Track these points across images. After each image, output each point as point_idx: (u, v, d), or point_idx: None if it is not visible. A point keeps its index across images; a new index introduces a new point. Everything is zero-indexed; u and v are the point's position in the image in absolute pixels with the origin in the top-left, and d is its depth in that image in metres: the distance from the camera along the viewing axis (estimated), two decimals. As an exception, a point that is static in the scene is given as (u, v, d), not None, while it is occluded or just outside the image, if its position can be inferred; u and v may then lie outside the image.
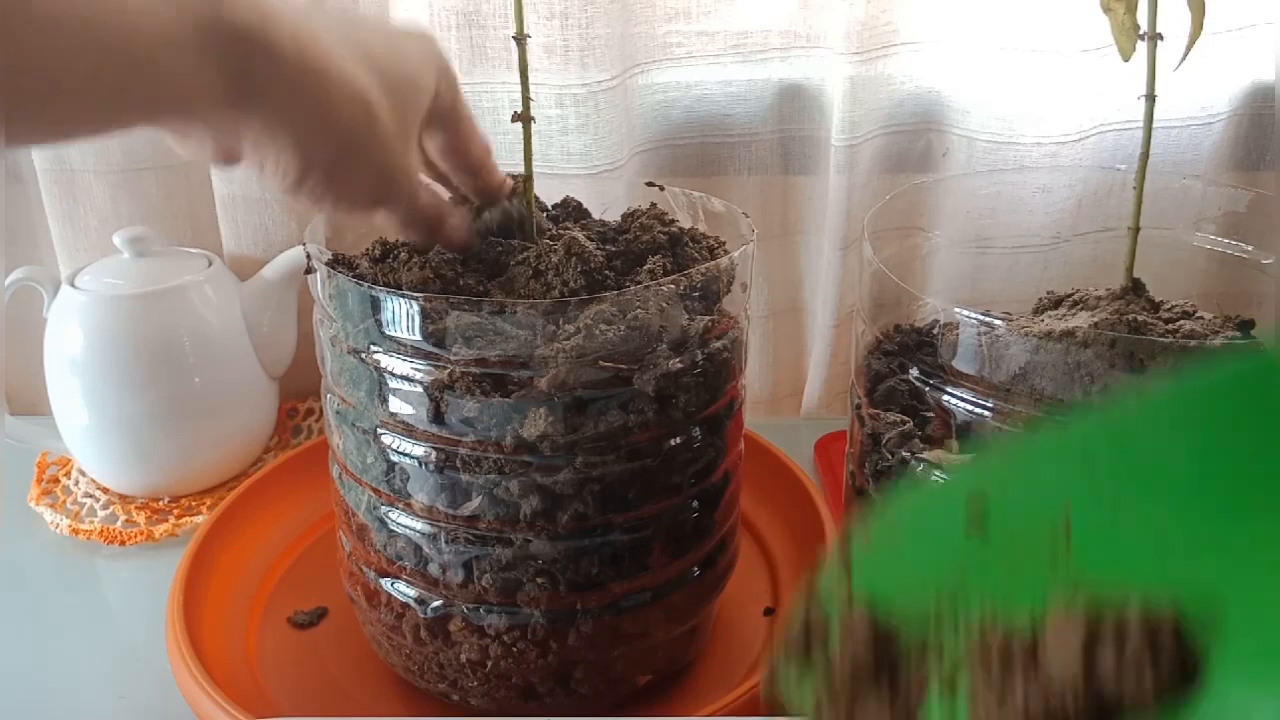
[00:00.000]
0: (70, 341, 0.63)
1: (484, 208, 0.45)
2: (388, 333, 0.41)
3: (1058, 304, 0.47)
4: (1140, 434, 0.26)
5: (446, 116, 0.41)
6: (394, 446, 0.43)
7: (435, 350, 0.40)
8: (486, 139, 0.44)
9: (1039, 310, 0.48)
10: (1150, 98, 0.43)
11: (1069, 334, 0.39)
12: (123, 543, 0.63)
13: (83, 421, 0.64)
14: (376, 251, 0.45)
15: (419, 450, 0.42)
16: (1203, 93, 0.68)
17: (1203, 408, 0.25)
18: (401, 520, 0.44)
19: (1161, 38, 0.42)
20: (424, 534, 0.44)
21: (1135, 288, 0.46)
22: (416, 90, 0.39)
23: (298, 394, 0.76)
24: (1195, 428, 0.25)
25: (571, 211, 0.51)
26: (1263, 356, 0.26)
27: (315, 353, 0.47)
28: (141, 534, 0.63)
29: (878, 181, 0.71)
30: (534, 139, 0.45)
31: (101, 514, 0.65)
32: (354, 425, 0.45)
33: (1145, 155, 0.44)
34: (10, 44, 0.26)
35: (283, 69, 0.33)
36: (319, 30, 0.34)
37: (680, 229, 0.47)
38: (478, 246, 0.44)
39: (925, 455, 0.43)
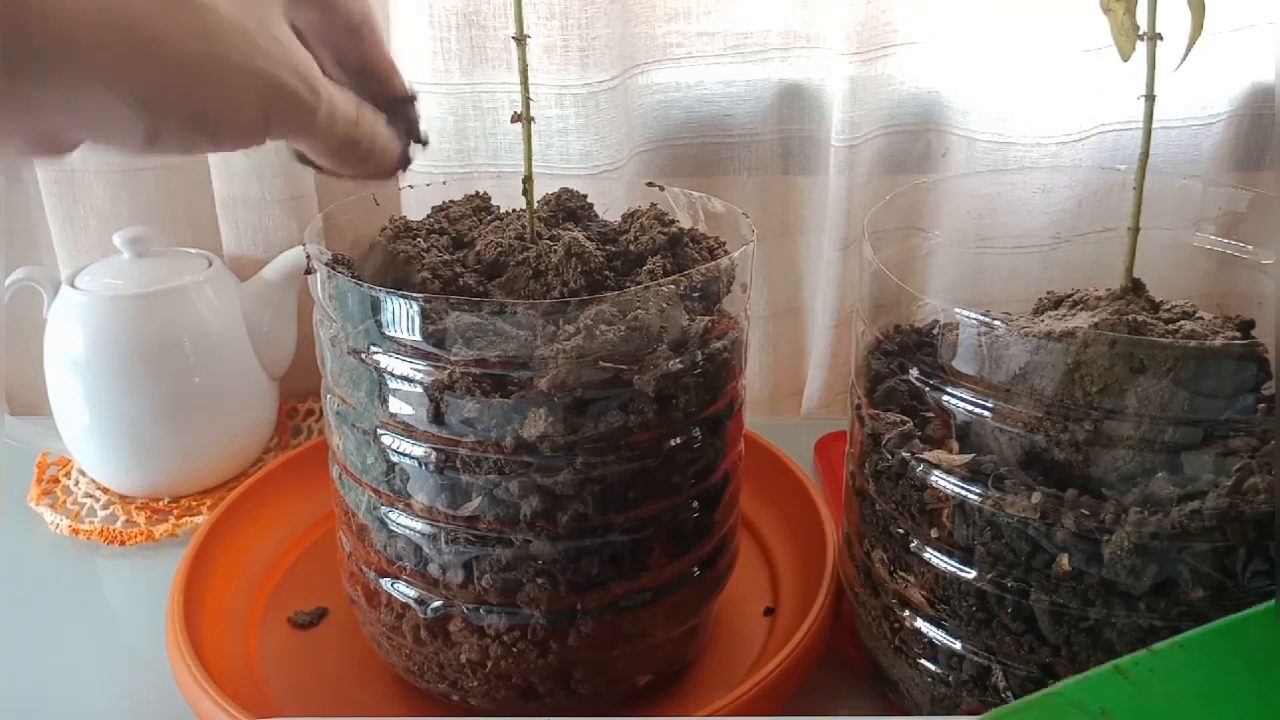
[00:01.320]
0: (70, 342, 0.63)
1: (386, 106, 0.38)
2: (388, 333, 0.41)
3: (1058, 304, 0.47)
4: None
5: None
6: (394, 447, 0.43)
7: (435, 351, 0.40)
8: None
9: (1039, 310, 0.48)
10: (1150, 98, 0.43)
11: (1069, 334, 0.39)
12: (123, 543, 0.63)
13: (83, 421, 0.64)
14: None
15: (419, 451, 0.42)
16: (1203, 93, 0.68)
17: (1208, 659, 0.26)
18: (401, 521, 0.44)
19: (1161, 38, 0.42)
20: (424, 534, 0.44)
21: (1135, 288, 0.46)
22: None
23: (298, 394, 0.76)
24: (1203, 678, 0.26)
25: (574, 210, 0.51)
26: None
27: (315, 353, 0.47)
28: (141, 534, 0.63)
29: (878, 182, 0.71)
30: (534, 139, 0.45)
31: (101, 514, 0.65)
32: (354, 426, 0.45)
33: (1145, 155, 0.44)
34: None
35: (64, 4, 0.25)
36: None
37: (680, 229, 0.47)
38: (404, 167, 0.39)
39: (925, 455, 0.43)
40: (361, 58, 0.37)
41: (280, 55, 0.30)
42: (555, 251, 0.42)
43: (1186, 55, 0.42)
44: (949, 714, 0.45)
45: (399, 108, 0.39)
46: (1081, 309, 0.45)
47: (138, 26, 0.26)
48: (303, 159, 0.37)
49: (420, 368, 0.41)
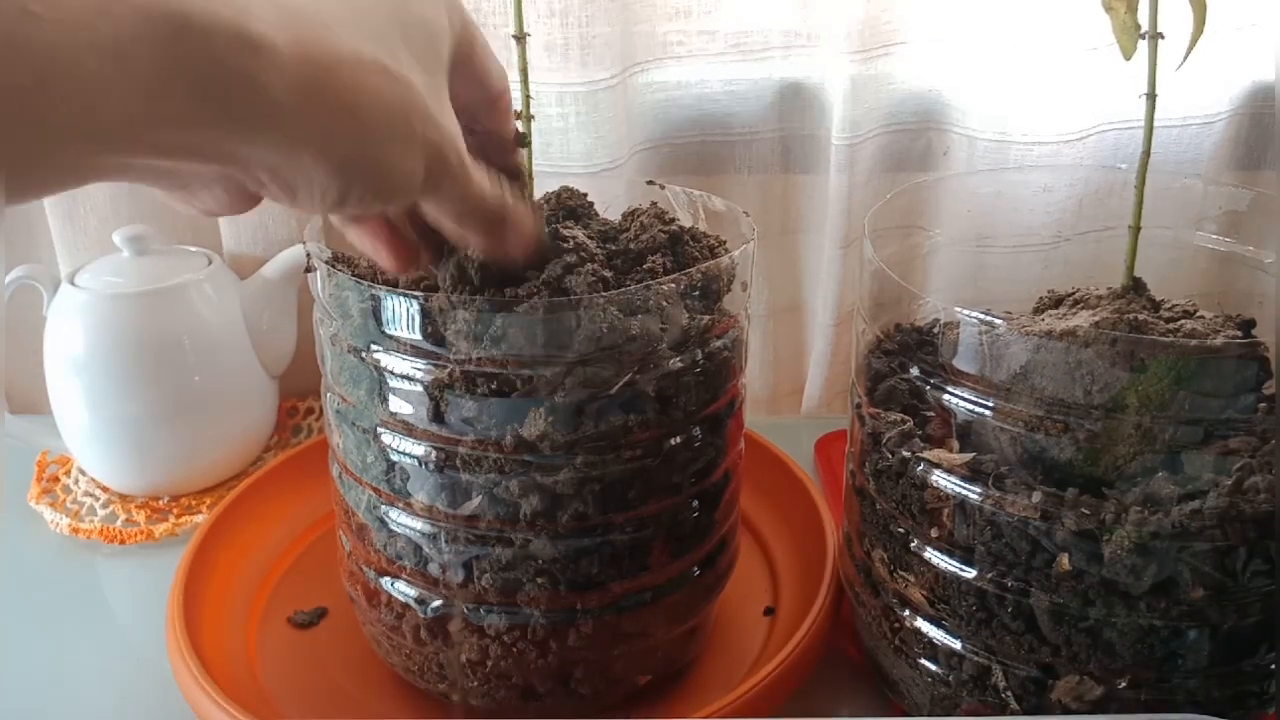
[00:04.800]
0: (70, 340, 0.63)
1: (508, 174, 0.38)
2: (388, 332, 0.41)
3: (1058, 303, 0.47)
4: None
5: (462, 46, 0.34)
6: (394, 446, 0.43)
7: (435, 349, 0.40)
8: (501, 67, 0.37)
9: (1039, 309, 0.48)
10: (1151, 97, 0.43)
11: (1070, 333, 0.39)
12: (123, 542, 0.63)
13: (83, 421, 0.64)
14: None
15: (419, 449, 0.42)
16: (1203, 92, 0.68)
17: None
18: (401, 520, 0.44)
19: (1163, 37, 0.42)
20: (424, 533, 0.44)
21: (1136, 287, 0.46)
22: (434, 33, 0.32)
23: (298, 393, 0.76)
24: None
25: (574, 209, 0.51)
26: None
27: (315, 352, 0.47)
28: (141, 533, 0.63)
29: (878, 180, 0.71)
30: (534, 137, 0.45)
31: (101, 513, 0.65)
32: (354, 424, 0.45)
33: (1146, 154, 0.44)
34: None
35: (280, 70, 0.25)
36: (302, 4, 0.27)
37: (680, 228, 0.47)
38: (543, 246, 0.39)
39: (926, 454, 0.43)
40: (494, 127, 0.38)
41: (447, 126, 0.32)
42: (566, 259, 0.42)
43: (1188, 54, 0.42)
44: (949, 714, 0.45)
45: (515, 178, 0.39)
46: (1082, 308, 0.45)
47: (345, 95, 0.27)
48: (459, 278, 0.38)
49: (420, 366, 0.41)
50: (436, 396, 0.41)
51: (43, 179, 0.24)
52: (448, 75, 0.34)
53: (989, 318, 0.40)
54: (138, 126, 0.24)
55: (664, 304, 0.41)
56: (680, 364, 0.42)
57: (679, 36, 0.69)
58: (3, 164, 0.22)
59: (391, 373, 0.42)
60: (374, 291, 0.41)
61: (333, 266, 0.43)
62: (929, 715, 0.46)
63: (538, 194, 0.49)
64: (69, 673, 0.53)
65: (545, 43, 0.65)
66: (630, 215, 0.49)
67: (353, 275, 0.42)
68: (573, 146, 0.68)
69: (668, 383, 0.42)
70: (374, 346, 0.42)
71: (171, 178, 0.28)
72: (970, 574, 0.41)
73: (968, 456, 0.41)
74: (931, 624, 0.44)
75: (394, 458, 0.43)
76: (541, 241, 0.40)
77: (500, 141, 0.39)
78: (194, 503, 0.66)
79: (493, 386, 0.40)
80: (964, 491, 0.41)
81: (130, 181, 0.27)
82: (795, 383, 0.82)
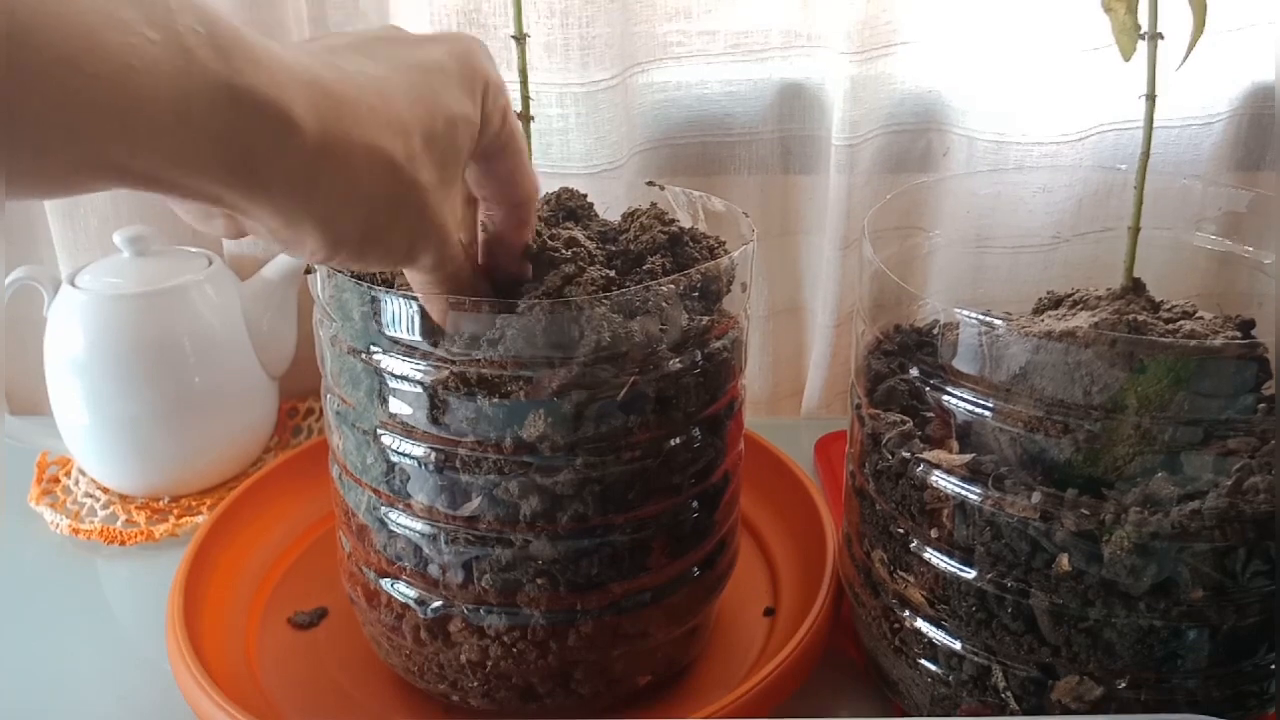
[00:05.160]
0: (70, 341, 0.63)
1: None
2: (388, 333, 0.41)
3: (1058, 304, 0.47)
4: None
5: (493, 144, 0.36)
6: (394, 447, 0.43)
7: (435, 350, 0.40)
8: (536, 178, 0.39)
9: (1039, 310, 0.48)
10: (1150, 98, 0.43)
11: (1069, 334, 0.39)
12: (123, 543, 0.63)
13: (83, 421, 0.64)
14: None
15: (419, 451, 0.42)
16: (1203, 93, 0.68)
17: None
18: (401, 521, 0.44)
19: (1162, 37, 0.42)
20: (424, 534, 0.44)
21: (1135, 288, 0.46)
22: (458, 129, 0.33)
23: (298, 394, 0.76)
24: None
25: (574, 209, 0.51)
26: None
27: (315, 353, 0.47)
28: (141, 534, 0.63)
29: (878, 181, 0.71)
30: (534, 138, 0.45)
31: (101, 514, 0.65)
32: (354, 426, 0.45)
33: (1145, 155, 0.44)
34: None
35: (300, 150, 0.28)
36: (339, 91, 0.29)
37: (680, 228, 0.47)
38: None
39: (925, 455, 0.43)
40: (508, 233, 0.40)
41: (442, 223, 0.34)
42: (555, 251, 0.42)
43: (1188, 55, 0.42)
44: (949, 714, 0.45)
45: (506, 288, 0.41)
46: (1082, 309, 0.45)
47: (351, 181, 0.30)
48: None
49: (420, 367, 0.41)
50: (436, 398, 0.41)
51: (80, 181, 0.26)
52: (471, 165, 0.36)
53: (989, 319, 0.40)
54: (168, 168, 0.26)
55: (664, 305, 0.41)
56: (680, 365, 0.42)
57: (679, 37, 0.69)
58: (70, 157, 0.24)
59: (391, 374, 0.42)
60: (374, 293, 0.41)
61: (333, 268, 0.43)
62: (929, 715, 0.46)
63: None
64: (69, 673, 0.53)
65: (545, 43, 0.65)
66: (630, 216, 0.49)
67: (353, 277, 0.42)
68: (573, 147, 0.68)
69: (667, 384, 0.42)
70: (374, 348, 0.42)
71: (181, 199, 0.30)
72: (970, 574, 0.41)
73: (967, 457, 0.41)
74: (931, 624, 0.44)
75: (394, 459, 0.43)
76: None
77: (509, 248, 0.40)
78: (194, 503, 0.66)
79: (492, 388, 0.40)
80: (964, 492, 0.41)
81: (144, 191, 0.28)
82: (795, 384, 0.82)
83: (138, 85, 0.24)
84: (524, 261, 0.41)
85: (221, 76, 0.26)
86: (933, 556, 0.43)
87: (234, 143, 0.27)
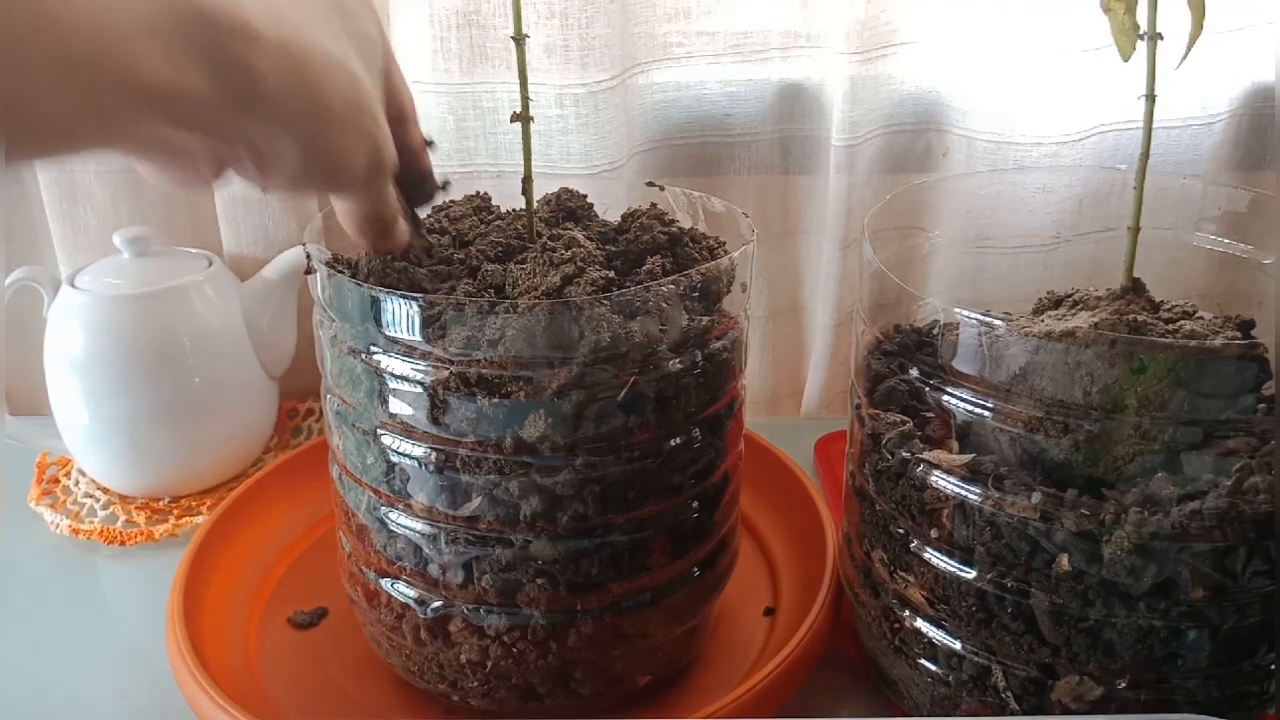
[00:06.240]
0: (70, 341, 0.63)
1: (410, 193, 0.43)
2: (388, 333, 0.41)
3: (1058, 304, 0.47)
4: None
5: (386, 64, 0.38)
6: (394, 447, 0.43)
7: (435, 350, 0.40)
8: (405, 80, 0.41)
9: (1039, 310, 0.48)
10: (1150, 98, 0.43)
11: (1069, 334, 0.39)
12: (123, 543, 0.63)
13: (83, 421, 0.64)
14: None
15: (419, 451, 0.42)
16: (1203, 93, 0.68)
17: None
18: (401, 521, 0.44)
19: (1161, 37, 0.42)
20: (424, 535, 0.44)
21: (1135, 288, 0.46)
22: (373, 44, 0.36)
23: (298, 394, 0.76)
24: None
25: (573, 210, 0.51)
26: None
27: (315, 353, 0.47)
28: (141, 534, 0.63)
29: (878, 181, 0.71)
30: (534, 139, 0.45)
31: (101, 514, 0.65)
32: (354, 426, 0.45)
33: (1145, 155, 0.44)
34: None
35: (269, 57, 0.30)
36: (278, 4, 0.31)
37: (680, 229, 0.47)
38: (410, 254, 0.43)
39: (925, 455, 0.43)
40: (404, 138, 0.41)
41: (386, 128, 0.36)
42: (555, 251, 0.42)
43: (1187, 55, 0.42)
44: (949, 714, 0.45)
45: (418, 185, 0.43)
46: (1081, 309, 0.45)
47: (317, 86, 0.32)
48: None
49: (420, 367, 0.41)
50: (436, 398, 0.41)
51: (88, 138, 0.28)
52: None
53: (988, 319, 0.40)
54: (165, 96, 0.28)
55: (664, 305, 0.41)
56: (680, 365, 0.43)
57: (678, 38, 0.69)
58: (75, 116, 0.26)
59: (391, 374, 0.42)
60: (374, 293, 0.41)
61: (333, 268, 0.43)
62: (929, 715, 0.46)
63: (538, 195, 0.49)
64: (69, 673, 0.53)
65: (545, 44, 0.65)
66: (630, 217, 0.49)
67: (352, 277, 0.42)
68: (572, 148, 0.68)
69: (667, 384, 0.42)
70: (374, 348, 0.42)
71: (166, 149, 0.32)
72: (970, 574, 0.42)
73: (967, 457, 0.41)
74: (931, 624, 0.44)
75: (394, 459, 0.43)
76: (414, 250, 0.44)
77: (410, 149, 0.42)
78: (194, 504, 0.66)
79: (493, 388, 0.40)
80: (963, 492, 0.41)
81: (133, 150, 0.31)
82: (795, 384, 0.82)
83: (107, 20, 0.26)
84: (426, 156, 0.43)
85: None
86: (933, 556, 0.43)
87: (205, 53, 0.28)
